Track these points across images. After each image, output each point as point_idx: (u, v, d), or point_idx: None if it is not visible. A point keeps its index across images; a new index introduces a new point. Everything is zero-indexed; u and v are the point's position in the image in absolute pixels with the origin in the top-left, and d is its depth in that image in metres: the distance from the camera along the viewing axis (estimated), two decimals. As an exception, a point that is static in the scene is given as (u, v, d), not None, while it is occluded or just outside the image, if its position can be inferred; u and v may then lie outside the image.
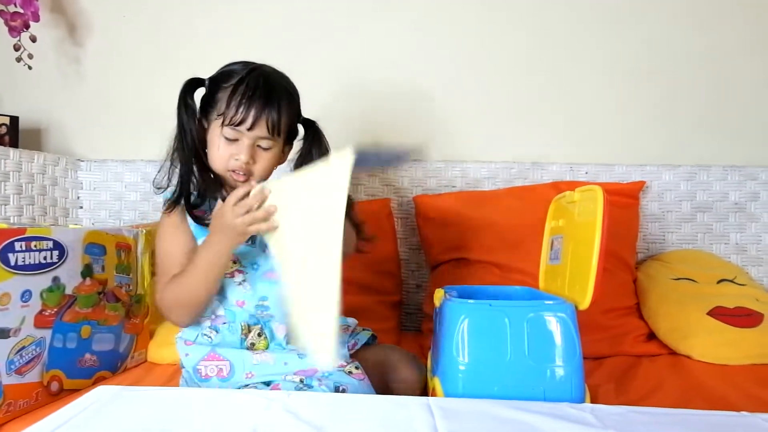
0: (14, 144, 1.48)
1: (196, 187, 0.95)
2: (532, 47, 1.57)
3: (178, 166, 0.94)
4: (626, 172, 1.52)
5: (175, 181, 0.95)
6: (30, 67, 1.47)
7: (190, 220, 0.96)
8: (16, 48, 1.45)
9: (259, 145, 0.93)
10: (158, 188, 0.97)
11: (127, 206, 1.60)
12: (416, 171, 1.55)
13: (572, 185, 1.27)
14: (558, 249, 0.99)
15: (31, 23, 1.44)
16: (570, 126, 1.58)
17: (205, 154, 0.95)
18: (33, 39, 1.45)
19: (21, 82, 1.59)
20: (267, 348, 0.95)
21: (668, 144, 1.56)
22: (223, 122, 0.90)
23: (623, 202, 1.44)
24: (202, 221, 0.95)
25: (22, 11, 1.43)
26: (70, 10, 1.62)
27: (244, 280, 0.97)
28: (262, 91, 0.90)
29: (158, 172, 0.96)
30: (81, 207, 1.60)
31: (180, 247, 0.96)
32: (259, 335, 0.96)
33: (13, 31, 1.43)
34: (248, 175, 0.93)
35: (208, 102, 0.95)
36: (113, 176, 1.60)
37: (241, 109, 0.89)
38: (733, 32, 1.54)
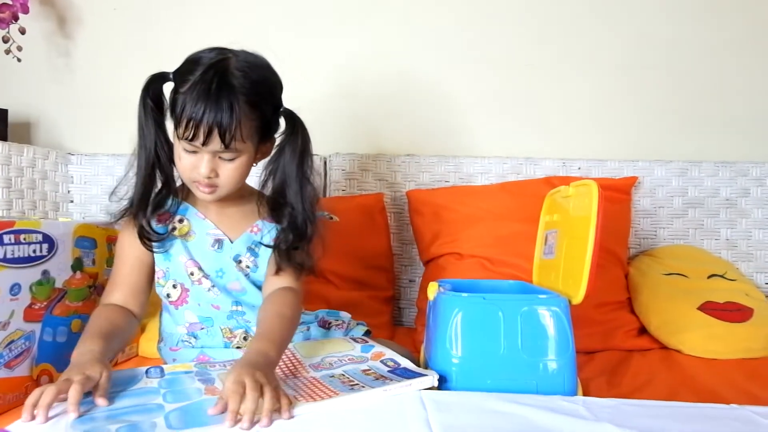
0: (3, 137, 1.46)
1: (155, 194, 0.90)
2: (524, 42, 1.57)
3: (138, 174, 0.89)
4: (618, 168, 1.52)
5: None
6: (19, 60, 1.45)
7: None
8: (5, 40, 1.43)
9: (220, 157, 0.83)
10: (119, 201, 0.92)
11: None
12: (409, 166, 1.55)
13: (565, 180, 1.27)
14: (552, 244, 0.99)
15: (21, 15, 1.43)
16: (563, 122, 1.58)
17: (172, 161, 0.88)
18: (22, 31, 1.44)
19: (10, 74, 1.57)
20: None
21: (660, 140, 1.57)
22: (177, 135, 0.82)
23: (615, 198, 1.45)
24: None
25: (10, 3, 1.41)
26: (59, 2, 1.60)
27: (213, 286, 0.93)
28: (213, 100, 0.78)
29: (118, 183, 0.92)
30: (71, 201, 1.58)
31: (126, 266, 0.93)
32: (245, 339, 0.94)
33: (2, 22, 1.41)
34: (214, 187, 0.86)
35: (172, 102, 0.84)
36: (104, 170, 1.58)
37: (190, 125, 0.78)
38: (725, 28, 1.55)
